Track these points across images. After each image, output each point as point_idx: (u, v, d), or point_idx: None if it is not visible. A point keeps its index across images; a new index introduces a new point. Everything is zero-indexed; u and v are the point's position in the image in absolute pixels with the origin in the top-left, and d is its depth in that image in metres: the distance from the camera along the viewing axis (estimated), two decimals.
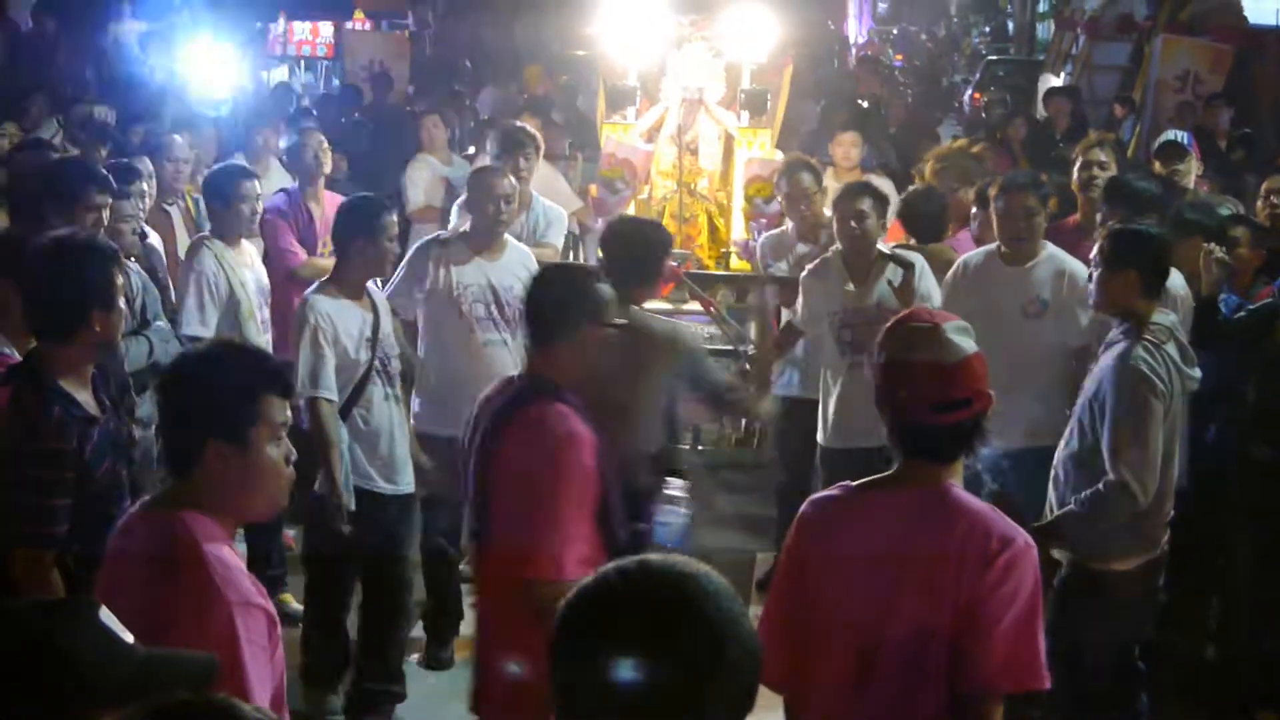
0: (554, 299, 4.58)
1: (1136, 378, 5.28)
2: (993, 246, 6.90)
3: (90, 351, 4.61)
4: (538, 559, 4.28)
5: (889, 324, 3.63)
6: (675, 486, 5.03)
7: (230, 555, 3.24)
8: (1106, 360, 5.44)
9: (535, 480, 4.35)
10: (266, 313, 7.43)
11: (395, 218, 6.45)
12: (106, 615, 2.43)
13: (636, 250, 5.83)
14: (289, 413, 3.36)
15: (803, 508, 3.65)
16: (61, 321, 4.54)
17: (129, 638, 2.44)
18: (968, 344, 3.48)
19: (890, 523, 3.43)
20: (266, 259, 8.92)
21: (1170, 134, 11.24)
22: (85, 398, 4.53)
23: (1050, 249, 6.77)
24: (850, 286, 7.04)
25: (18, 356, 4.83)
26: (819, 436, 7.21)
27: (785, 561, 3.67)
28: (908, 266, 6.87)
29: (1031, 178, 7.21)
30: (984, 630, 3.29)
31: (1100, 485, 5.31)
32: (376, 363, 6.28)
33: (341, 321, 6.21)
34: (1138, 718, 5.69)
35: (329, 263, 8.29)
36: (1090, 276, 5.66)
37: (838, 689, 3.43)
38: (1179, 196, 8.19)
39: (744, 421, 9.48)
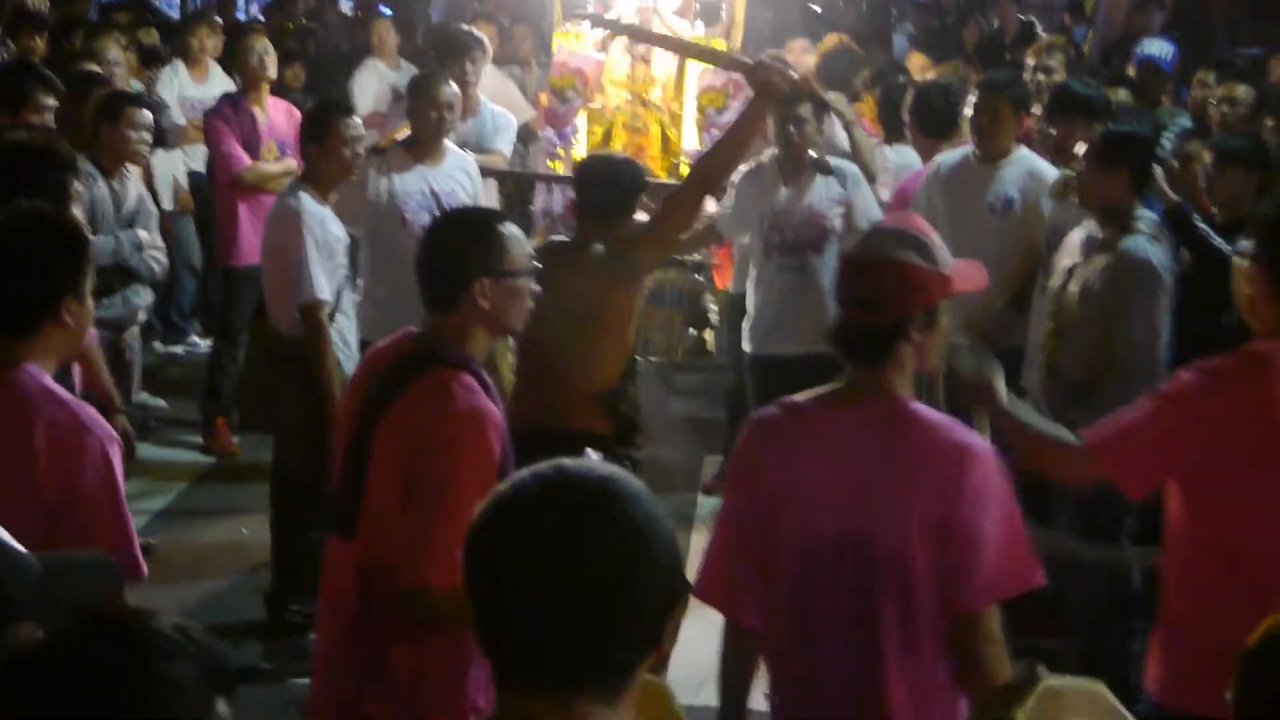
0: (449, 252, 3.81)
1: (1146, 269, 5.53)
2: (969, 147, 6.93)
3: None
4: (426, 561, 3.49)
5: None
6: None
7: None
8: (1102, 258, 5.62)
9: (429, 466, 3.61)
10: None
11: (354, 120, 6.31)
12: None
13: (611, 189, 5.63)
14: None
15: (748, 426, 3.56)
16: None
17: (21, 548, 2.41)
18: (896, 251, 3.36)
19: (851, 438, 3.35)
20: (210, 164, 8.89)
21: (1155, 45, 10.33)
22: None
23: (1023, 150, 6.87)
24: (783, 190, 7.00)
25: None
26: (744, 344, 7.17)
27: (736, 481, 3.59)
28: (830, 172, 6.90)
29: (1011, 77, 7.17)
30: (971, 547, 3.24)
31: (1120, 378, 5.45)
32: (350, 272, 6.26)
33: (328, 225, 6.15)
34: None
35: (274, 168, 8.30)
36: (1079, 175, 5.88)
37: (805, 609, 3.37)
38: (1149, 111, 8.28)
39: (693, 331, 9.47)
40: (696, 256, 8.34)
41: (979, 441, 3.35)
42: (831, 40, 9.18)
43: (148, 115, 7.33)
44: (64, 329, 3.50)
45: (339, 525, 3.78)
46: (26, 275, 3.49)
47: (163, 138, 8.89)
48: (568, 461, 2.03)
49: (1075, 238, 5.85)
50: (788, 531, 3.36)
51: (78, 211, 4.60)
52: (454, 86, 6.98)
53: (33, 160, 4.56)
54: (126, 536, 3.45)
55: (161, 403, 8.96)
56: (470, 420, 3.61)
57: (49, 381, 3.48)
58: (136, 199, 7.23)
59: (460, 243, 3.77)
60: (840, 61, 8.85)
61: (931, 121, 7.41)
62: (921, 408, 3.39)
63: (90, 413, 3.50)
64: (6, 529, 3.00)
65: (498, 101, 8.54)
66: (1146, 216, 5.73)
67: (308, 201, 6.09)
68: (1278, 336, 3.73)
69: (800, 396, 3.49)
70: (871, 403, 3.36)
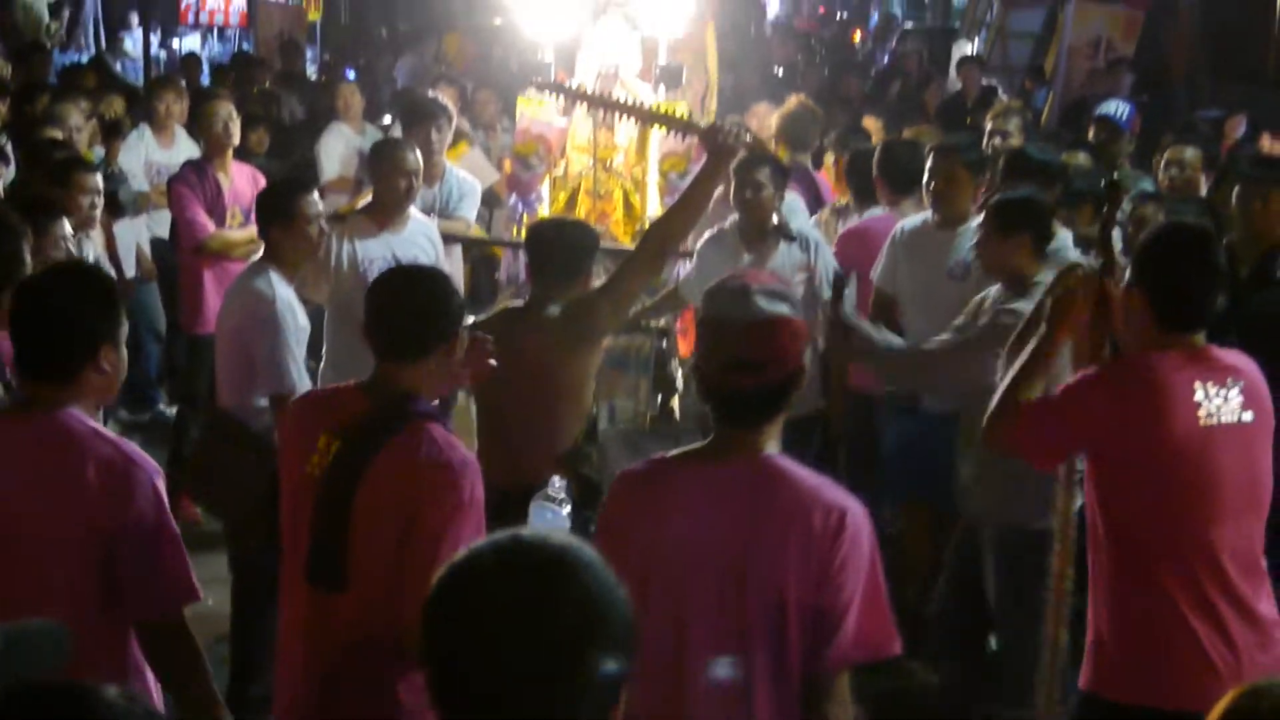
0: (439, 304, 4.05)
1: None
2: (929, 213, 6.88)
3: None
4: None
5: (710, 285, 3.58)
6: (555, 486, 4.93)
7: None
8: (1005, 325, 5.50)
9: (427, 515, 3.73)
10: None
11: (314, 197, 6.15)
12: None
13: (563, 251, 5.63)
14: None
15: (617, 481, 3.54)
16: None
17: None
18: (775, 307, 3.35)
19: (724, 495, 3.34)
20: (173, 230, 8.87)
21: (1112, 105, 10.65)
22: None
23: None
24: (746, 256, 7.01)
25: None
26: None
27: (605, 543, 3.40)
28: (792, 239, 6.93)
29: (968, 141, 7.19)
30: (835, 608, 3.23)
31: None
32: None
33: (295, 312, 5.96)
34: None
35: (238, 234, 8.27)
36: (978, 243, 5.85)
37: (674, 663, 3.33)
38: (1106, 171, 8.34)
39: (660, 397, 9.47)
40: (660, 323, 8.34)
41: (852, 502, 3.32)
42: (792, 101, 9.24)
43: (97, 179, 7.30)
44: (103, 375, 3.74)
45: (324, 580, 3.87)
46: (70, 326, 3.73)
47: (120, 209, 8.86)
48: (524, 531, 2.07)
49: (988, 303, 5.77)
50: (657, 586, 3.30)
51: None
52: (418, 154, 7.00)
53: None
54: (182, 562, 3.75)
55: None
56: (463, 470, 3.79)
57: (93, 423, 3.72)
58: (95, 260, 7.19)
59: (447, 296, 4.05)
60: (801, 121, 8.90)
61: (898, 178, 7.41)
62: (793, 465, 3.37)
63: (136, 449, 3.72)
64: (63, 565, 3.56)
65: (463, 165, 8.56)
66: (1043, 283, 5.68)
67: (279, 286, 5.90)
68: (1159, 349, 4.22)
69: (670, 453, 3.50)
70: (745, 459, 3.36)
